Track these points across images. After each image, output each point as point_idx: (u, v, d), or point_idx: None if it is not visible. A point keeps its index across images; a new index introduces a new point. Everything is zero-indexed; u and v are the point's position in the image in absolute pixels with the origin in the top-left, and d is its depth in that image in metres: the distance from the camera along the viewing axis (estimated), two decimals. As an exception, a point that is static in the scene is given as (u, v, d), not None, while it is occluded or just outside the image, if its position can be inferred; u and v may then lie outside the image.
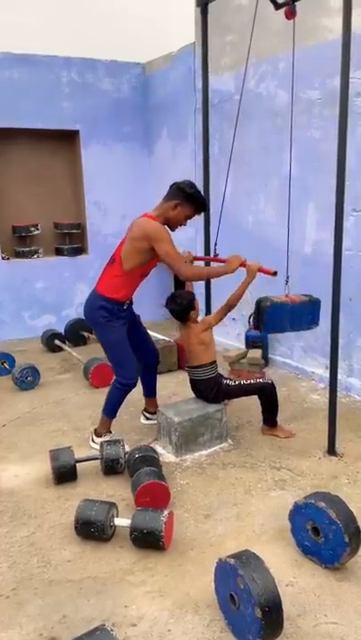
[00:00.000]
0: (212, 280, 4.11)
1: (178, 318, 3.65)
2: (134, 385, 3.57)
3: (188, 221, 3.52)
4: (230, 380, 3.74)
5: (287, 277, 3.61)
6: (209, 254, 4.12)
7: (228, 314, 3.66)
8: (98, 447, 3.46)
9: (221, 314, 3.61)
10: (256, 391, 3.68)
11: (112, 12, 6.91)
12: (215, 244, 3.81)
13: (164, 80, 6.26)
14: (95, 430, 3.71)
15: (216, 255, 3.77)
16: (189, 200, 3.38)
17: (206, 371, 3.62)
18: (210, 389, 3.64)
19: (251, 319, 5.07)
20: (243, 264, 3.41)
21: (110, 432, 3.70)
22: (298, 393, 4.51)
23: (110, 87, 6.43)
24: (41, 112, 6.08)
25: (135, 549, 2.61)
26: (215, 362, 3.67)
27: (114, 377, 3.59)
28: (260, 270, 3.39)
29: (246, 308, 5.25)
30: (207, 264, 3.92)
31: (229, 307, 3.55)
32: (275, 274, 3.37)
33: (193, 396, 4.04)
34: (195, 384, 3.72)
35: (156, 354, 3.91)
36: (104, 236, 6.56)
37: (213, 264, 3.78)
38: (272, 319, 3.59)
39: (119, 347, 3.52)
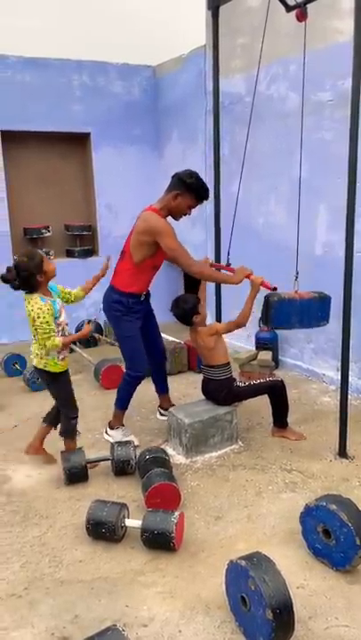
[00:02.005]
0: (222, 285, 4.13)
1: (182, 322, 3.68)
2: (142, 377, 3.67)
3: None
4: (241, 381, 3.75)
5: (296, 273, 3.60)
6: (220, 259, 4.13)
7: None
8: (111, 439, 3.66)
9: (230, 327, 3.61)
10: (266, 390, 3.68)
11: (123, 15, 6.96)
12: (228, 254, 3.82)
13: (174, 82, 6.28)
14: (109, 423, 3.80)
15: (228, 265, 3.81)
16: (189, 190, 3.42)
17: (219, 371, 3.63)
18: (220, 391, 3.65)
19: (260, 320, 5.08)
20: (248, 276, 3.46)
21: (123, 425, 3.78)
22: (308, 395, 4.49)
23: (121, 90, 6.47)
24: (52, 115, 6.13)
25: (146, 550, 2.62)
26: (229, 363, 3.69)
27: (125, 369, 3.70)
28: (262, 284, 3.44)
29: (257, 308, 5.24)
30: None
31: (239, 324, 3.56)
32: (274, 289, 3.43)
33: (203, 397, 4.05)
34: (206, 383, 3.73)
35: (161, 353, 3.98)
36: (115, 238, 6.58)
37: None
38: (280, 314, 3.58)
39: (131, 340, 3.61)
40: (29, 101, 6.00)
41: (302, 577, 2.41)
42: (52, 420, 3.47)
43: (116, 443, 3.38)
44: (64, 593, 2.38)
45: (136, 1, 7.05)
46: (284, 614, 1.97)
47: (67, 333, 3.26)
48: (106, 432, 3.81)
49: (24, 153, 6.35)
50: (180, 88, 6.20)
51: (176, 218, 3.54)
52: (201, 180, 3.47)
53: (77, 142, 6.57)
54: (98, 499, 2.83)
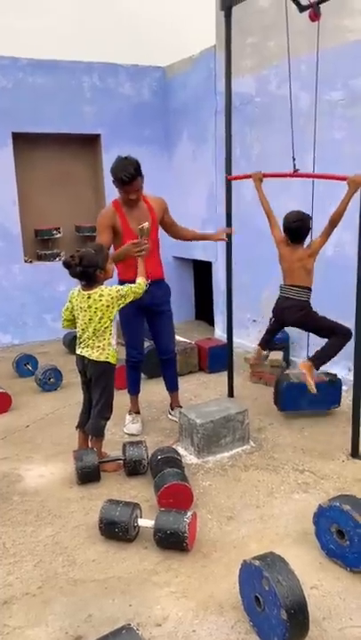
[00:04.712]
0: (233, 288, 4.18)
1: (293, 238, 3.67)
2: (136, 361, 3.97)
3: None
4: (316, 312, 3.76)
5: (307, 356, 3.65)
6: (231, 260, 4.12)
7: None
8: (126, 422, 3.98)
9: (326, 235, 3.59)
10: (335, 330, 3.64)
11: (133, 16, 6.98)
12: (293, 159, 3.69)
13: (184, 83, 6.29)
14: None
15: (296, 170, 3.65)
16: (112, 178, 3.54)
17: (303, 293, 3.67)
18: (299, 309, 3.66)
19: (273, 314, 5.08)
20: (343, 178, 3.36)
21: (138, 413, 4.02)
22: (320, 395, 4.47)
23: (131, 91, 6.48)
24: (63, 117, 6.16)
25: (159, 550, 2.62)
26: (311, 290, 3.70)
27: None
28: None
29: (268, 310, 5.25)
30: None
31: (333, 224, 3.53)
32: None
33: (214, 397, 4.07)
34: (284, 301, 3.72)
35: (163, 351, 4.04)
36: (125, 238, 6.61)
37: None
38: (288, 398, 3.84)
39: (125, 325, 3.85)
40: (40, 103, 6.03)
41: (316, 577, 2.40)
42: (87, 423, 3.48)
43: (128, 443, 3.38)
44: (77, 592, 2.39)
45: (145, 3, 7.07)
46: (298, 615, 1.96)
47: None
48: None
49: (35, 154, 6.39)
50: (190, 89, 6.21)
51: (128, 206, 3.65)
52: (118, 162, 3.50)
53: (88, 144, 6.60)
54: (110, 498, 2.84)
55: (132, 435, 3.83)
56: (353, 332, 3.36)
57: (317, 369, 3.69)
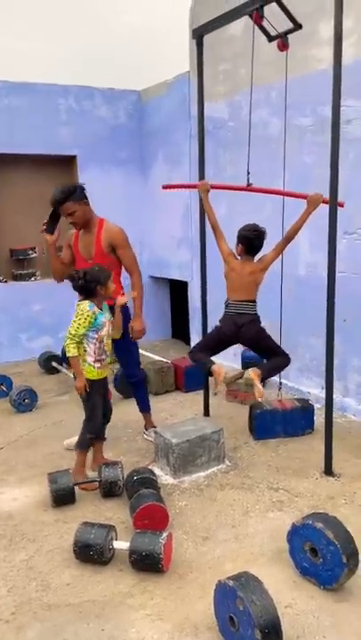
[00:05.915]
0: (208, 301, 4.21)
1: (249, 249, 3.66)
2: None
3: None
4: None
5: (280, 383, 3.69)
6: (205, 279, 4.17)
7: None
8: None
9: (279, 250, 3.63)
10: (281, 352, 3.70)
11: (110, 41, 7.11)
12: (248, 173, 3.74)
13: (159, 107, 6.40)
14: None
15: (250, 184, 3.71)
16: None
17: (254, 307, 3.69)
18: (254, 323, 3.66)
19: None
20: (303, 196, 3.44)
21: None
22: (294, 413, 4.52)
23: (107, 114, 6.58)
24: (39, 138, 6.20)
25: (134, 572, 2.60)
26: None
27: None
28: (326, 202, 3.30)
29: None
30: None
31: (287, 240, 3.58)
32: (341, 206, 3.35)
33: (189, 416, 4.08)
34: (239, 317, 3.67)
35: (128, 375, 4.08)
36: (101, 258, 6.63)
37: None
38: (262, 425, 3.89)
39: None
40: (16, 125, 6.07)
41: (290, 596, 2.42)
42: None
43: (104, 464, 3.37)
44: (52, 617, 2.36)
45: (122, 29, 7.22)
46: (272, 634, 1.98)
47: (105, 348, 3.40)
48: None
49: (11, 175, 6.40)
50: (164, 112, 6.32)
51: (82, 229, 3.87)
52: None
53: (64, 165, 6.64)
54: (85, 521, 2.82)
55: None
56: (324, 351, 3.43)
57: (262, 381, 3.62)
